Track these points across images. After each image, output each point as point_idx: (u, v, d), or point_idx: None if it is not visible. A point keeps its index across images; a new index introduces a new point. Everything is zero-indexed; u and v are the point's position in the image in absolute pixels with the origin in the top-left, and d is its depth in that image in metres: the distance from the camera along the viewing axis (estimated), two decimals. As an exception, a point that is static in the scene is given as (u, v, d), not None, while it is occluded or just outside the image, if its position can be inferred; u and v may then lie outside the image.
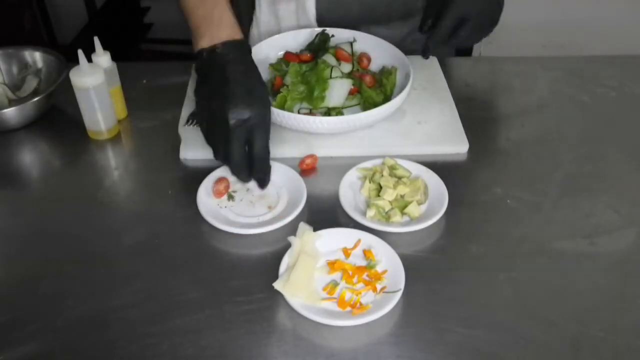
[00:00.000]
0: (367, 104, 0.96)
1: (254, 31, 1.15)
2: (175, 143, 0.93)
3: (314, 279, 0.74)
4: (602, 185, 0.89)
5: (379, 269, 0.75)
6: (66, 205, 0.85)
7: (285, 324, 0.70)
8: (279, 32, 1.09)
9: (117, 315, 0.70)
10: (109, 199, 0.86)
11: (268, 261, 0.76)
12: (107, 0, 2.65)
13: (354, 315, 0.69)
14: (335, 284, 0.74)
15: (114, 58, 0.96)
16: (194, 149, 0.92)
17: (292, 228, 0.79)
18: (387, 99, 0.96)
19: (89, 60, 0.91)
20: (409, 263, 0.74)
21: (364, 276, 0.74)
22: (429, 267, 0.76)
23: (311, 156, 0.90)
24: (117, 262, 0.77)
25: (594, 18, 2.09)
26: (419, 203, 0.82)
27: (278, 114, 0.90)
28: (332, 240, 0.78)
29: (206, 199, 0.83)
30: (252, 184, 0.85)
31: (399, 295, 0.71)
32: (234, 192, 0.85)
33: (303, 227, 0.78)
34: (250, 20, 1.15)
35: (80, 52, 0.89)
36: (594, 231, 0.81)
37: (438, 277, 0.75)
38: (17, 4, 2.25)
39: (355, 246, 0.77)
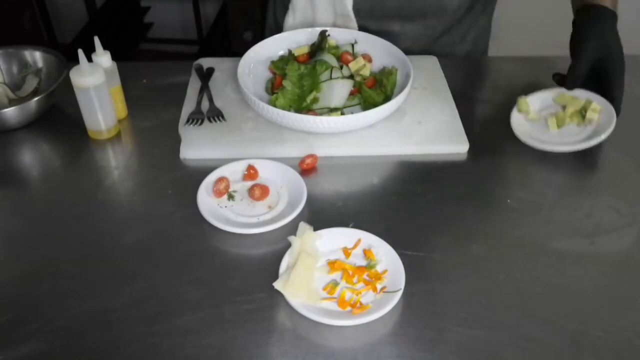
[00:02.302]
0: (367, 104, 0.96)
1: (289, 19, 1.14)
2: (175, 143, 0.93)
3: (314, 278, 0.74)
4: (602, 185, 0.89)
5: (379, 269, 0.75)
6: (66, 205, 0.85)
7: (285, 324, 0.70)
8: (314, 20, 1.09)
9: (117, 315, 0.70)
10: (109, 199, 0.86)
11: (268, 261, 0.76)
12: (107, 0, 2.65)
13: (354, 314, 0.69)
14: (335, 283, 0.74)
15: (114, 58, 0.96)
16: (194, 149, 0.92)
17: (292, 228, 0.79)
18: (387, 99, 0.96)
19: (89, 59, 0.91)
20: (409, 263, 0.74)
21: (364, 276, 0.74)
22: (429, 267, 0.76)
23: (311, 156, 0.90)
24: (117, 262, 0.77)
25: (594, 18, 2.08)
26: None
27: (278, 114, 0.90)
28: (332, 240, 0.78)
29: (206, 199, 0.83)
30: (248, 185, 0.85)
31: (399, 295, 0.71)
32: (234, 192, 0.85)
33: (303, 226, 0.78)
34: (286, 8, 1.14)
35: (80, 52, 0.89)
36: (594, 231, 0.81)
37: (438, 277, 0.75)
38: (17, 4, 2.25)
39: (355, 246, 0.77)
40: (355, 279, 0.74)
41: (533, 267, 0.76)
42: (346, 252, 0.77)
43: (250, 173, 0.87)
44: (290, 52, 1.05)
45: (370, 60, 1.05)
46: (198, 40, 2.68)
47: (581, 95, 0.94)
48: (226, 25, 2.66)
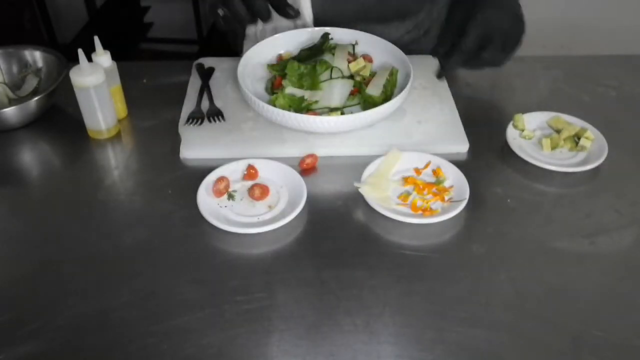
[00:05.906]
0: (367, 104, 0.96)
1: (251, 29, 1.14)
2: (175, 143, 0.93)
3: (389, 187, 0.85)
4: (602, 185, 0.89)
5: (446, 184, 0.85)
6: (66, 205, 0.85)
7: (281, 324, 0.70)
8: (274, 30, 1.09)
9: (117, 314, 0.71)
10: (109, 199, 0.86)
11: (268, 261, 0.76)
12: (107, 0, 2.65)
13: (425, 216, 0.80)
14: (407, 193, 0.85)
15: (114, 57, 0.96)
16: (194, 148, 0.92)
17: (292, 227, 0.79)
18: (387, 98, 0.96)
19: (89, 59, 0.91)
20: (409, 263, 0.74)
21: (433, 190, 0.85)
22: (429, 267, 0.76)
23: (311, 156, 0.90)
24: (117, 262, 0.77)
25: (594, 18, 2.09)
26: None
27: (278, 114, 0.90)
28: (405, 161, 0.88)
29: (206, 199, 0.83)
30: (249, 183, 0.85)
31: (464, 203, 0.80)
32: (234, 191, 0.85)
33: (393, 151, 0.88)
34: None
35: (80, 52, 0.89)
36: (594, 231, 0.81)
37: (438, 277, 0.75)
38: (17, 4, 2.25)
39: (425, 166, 0.88)
40: (425, 192, 0.85)
41: (533, 267, 0.77)
42: (417, 171, 0.88)
43: (250, 173, 0.87)
44: (280, 56, 1.05)
45: (370, 60, 1.05)
46: (198, 40, 2.68)
47: (576, 122, 0.97)
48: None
